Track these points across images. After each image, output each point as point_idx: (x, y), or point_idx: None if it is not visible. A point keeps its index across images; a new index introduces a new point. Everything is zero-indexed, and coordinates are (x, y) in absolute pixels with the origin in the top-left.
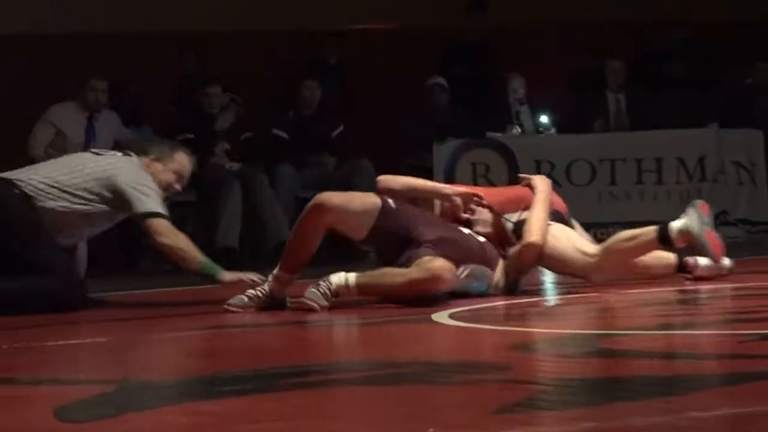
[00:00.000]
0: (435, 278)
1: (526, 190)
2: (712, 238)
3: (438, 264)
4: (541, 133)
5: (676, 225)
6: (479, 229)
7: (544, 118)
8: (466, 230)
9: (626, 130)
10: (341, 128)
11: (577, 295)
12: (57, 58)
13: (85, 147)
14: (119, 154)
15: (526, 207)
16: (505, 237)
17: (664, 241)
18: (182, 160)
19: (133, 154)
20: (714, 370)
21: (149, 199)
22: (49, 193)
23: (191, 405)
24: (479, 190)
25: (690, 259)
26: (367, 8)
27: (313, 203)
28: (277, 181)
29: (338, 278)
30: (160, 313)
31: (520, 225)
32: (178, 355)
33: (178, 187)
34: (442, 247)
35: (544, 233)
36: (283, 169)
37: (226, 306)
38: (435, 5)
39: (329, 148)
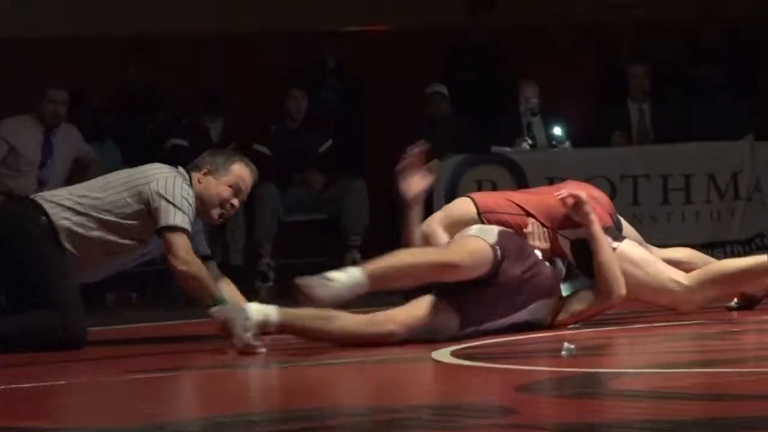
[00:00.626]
0: (387, 335)
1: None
2: None
3: (396, 320)
4: (554, 146)
5: None
6: (536, 244)
7: (557, 130)
8: (538, 253)
9: (650, 143)
10: (330, 143)
11: (590, 330)
12: (8, 65)
13: (42, 165)
14: (164, 165)
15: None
16: (560, 252)
17: None
18: (239, 172)
19: (182, 169)
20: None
21: (178, 213)
22: (70, 210)
23: None
24: (515, 196)
25: None
26: (359, 7)
27: (445, 263)
28: (257, 203)
29: (257, 313)
30: (128, 351)
31: (578, 246)
32: (146, 400)
33: (235, 202)
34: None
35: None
36: (264, 188)
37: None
38: (435, 3)
39: (317, 164)
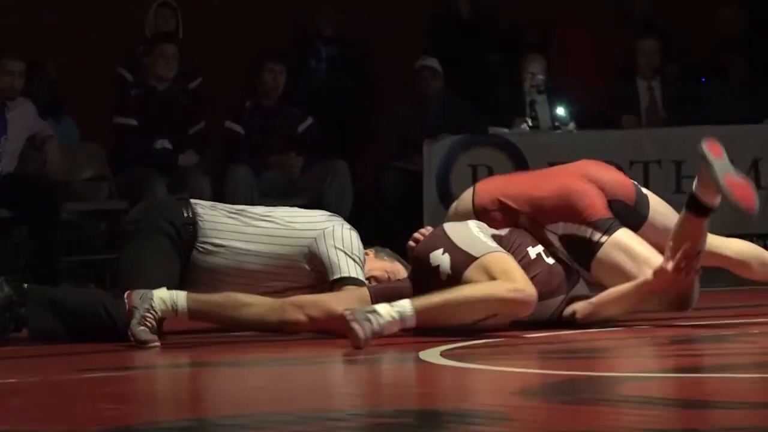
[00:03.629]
0: (292, 323)
1: (563, 193)
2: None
3: (304, 307)
4: (557, 128)
5: None
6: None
7: (560, 110)
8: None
9: (662, 125)
10: (310, 121)
11: (595, 330)
12: None
13: None
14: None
15: (569, 218)
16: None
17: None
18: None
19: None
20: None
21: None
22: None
23: None
24: (514, 188)
25: None
26: None
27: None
28: (228, 187)
29: (161, 300)
30: (76, 348)
31: (568, 240)
32: (106, 401)
33: None
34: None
35: None
36: (236, 171)
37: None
38: None
39: (295, 145)
